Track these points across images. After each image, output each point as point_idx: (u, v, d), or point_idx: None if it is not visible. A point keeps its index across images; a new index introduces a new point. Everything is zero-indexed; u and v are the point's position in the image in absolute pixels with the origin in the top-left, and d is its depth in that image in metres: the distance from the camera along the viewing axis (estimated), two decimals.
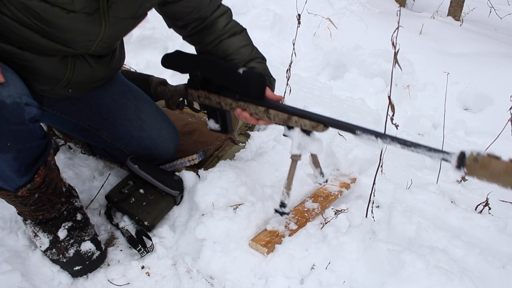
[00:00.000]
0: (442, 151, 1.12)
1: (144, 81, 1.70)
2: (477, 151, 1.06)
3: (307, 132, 1.34)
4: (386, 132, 1.39)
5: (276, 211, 1.38)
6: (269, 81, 1.47)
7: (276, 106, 1.36)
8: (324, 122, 1.29)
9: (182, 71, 1.53)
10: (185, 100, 1.57)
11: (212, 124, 1.58)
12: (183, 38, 1.56)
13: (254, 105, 1.39)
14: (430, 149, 1.14)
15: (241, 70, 1.36)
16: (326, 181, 1.52)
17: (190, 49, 1.56)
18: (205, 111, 1.59)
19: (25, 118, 1.11)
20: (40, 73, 1.28)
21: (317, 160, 1.48)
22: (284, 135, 1.38)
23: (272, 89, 1.47)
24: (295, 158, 1.36)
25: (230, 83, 1.40)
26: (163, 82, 1.71)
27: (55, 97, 1.46)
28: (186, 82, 1.55)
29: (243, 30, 1.53)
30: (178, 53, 1.51)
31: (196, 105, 1.58)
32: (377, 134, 1.20)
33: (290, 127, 1.36)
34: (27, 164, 1.18)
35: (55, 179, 1.31)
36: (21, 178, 1.19)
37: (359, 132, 1.22)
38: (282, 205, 1.37)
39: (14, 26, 1.16)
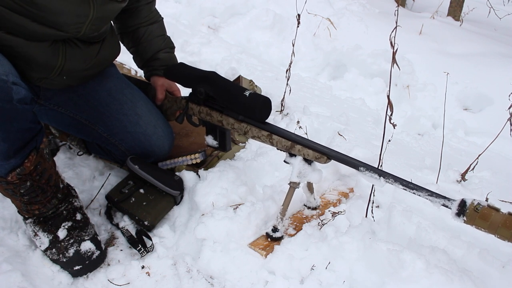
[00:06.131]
0: (443, 197, 1.13)
1: (142, 88, 1.70)
2: (478, 200, 1.07)
3: (308, 161, 1.34)
4: (386, 139, 1.39)
5: (268, 234, 1.38)
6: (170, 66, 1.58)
7: (280, 132, 1.36)
8: (328, 155, 1.29)
9: (185, 85, 1.53)
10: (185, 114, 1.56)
11: (210, 140, 1.56)
12: None
13: (257, 128, 1.39)
14: (432, 193, 1.15)
15: (247, 93, 1.36)
16: (319, 206, 1.54)
17: (191, 60, 1.56)
18: (204, 126, 1.57)
19: (13, 97, 1.11)
20: (32, 60, 1.30)
21: (312, 187, 1.50)
22: (285, 161, 1.38)
23: (171, 74, 1.55)
24: (293, 186, 1.36)
25: (235, 105, 1.40)
26: None
27: (53, 89, 1.48)
28: (187, 95, 1.55)
29: (161, 20, 1.69)
30: (182, 65, 1.53)
31: (195, 120, 1.58)
32: (381, 173, 1.20)
33: (292, 155, 1.35)
34: (16, 147, 1.17)
35: (48, 169, 1.30)
36: (9, 161, 1.18)
37: (362, 169, 1.23)
38: (275, 229, 1.38)
39: (5, 11, 1.17)
